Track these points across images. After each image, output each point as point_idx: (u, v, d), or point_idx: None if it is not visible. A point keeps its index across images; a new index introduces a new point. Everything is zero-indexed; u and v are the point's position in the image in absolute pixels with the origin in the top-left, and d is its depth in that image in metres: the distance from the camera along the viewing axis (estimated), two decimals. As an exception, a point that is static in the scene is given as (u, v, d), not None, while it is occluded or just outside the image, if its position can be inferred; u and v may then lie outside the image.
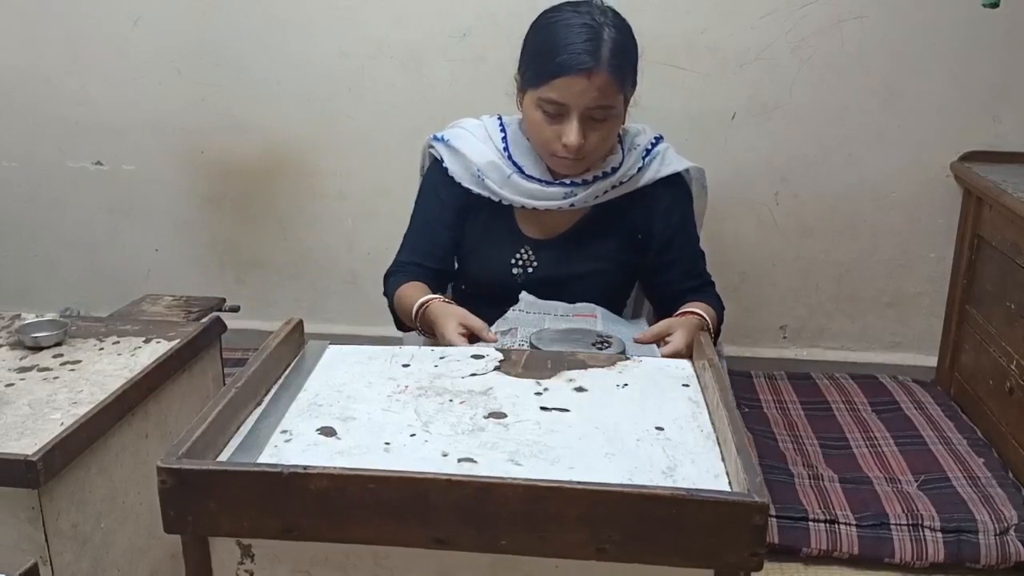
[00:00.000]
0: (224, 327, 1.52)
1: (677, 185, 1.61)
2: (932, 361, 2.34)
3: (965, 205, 2.19)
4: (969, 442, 1.96)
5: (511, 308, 1.48)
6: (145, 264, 2.53)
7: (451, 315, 1.38)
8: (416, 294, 1.50)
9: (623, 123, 1.53)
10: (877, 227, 2.29)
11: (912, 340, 2.36)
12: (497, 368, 1.09)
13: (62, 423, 1.10)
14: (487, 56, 2.25)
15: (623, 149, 1.57)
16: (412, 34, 2.26)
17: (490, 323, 1.42)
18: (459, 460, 0.87)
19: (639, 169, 1.56)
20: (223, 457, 0.88)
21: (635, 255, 1.60)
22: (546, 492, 0.76)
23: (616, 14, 1.48)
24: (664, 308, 1.58)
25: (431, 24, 2.25)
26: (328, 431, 0.93)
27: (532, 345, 1.25)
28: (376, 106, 2.33)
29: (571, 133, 1.43)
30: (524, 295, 1.55)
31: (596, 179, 1.53)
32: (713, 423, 0.96)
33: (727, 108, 2.23)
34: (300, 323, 1.15)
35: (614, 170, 1.54)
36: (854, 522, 1.67)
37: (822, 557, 1.66)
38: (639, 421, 0.96)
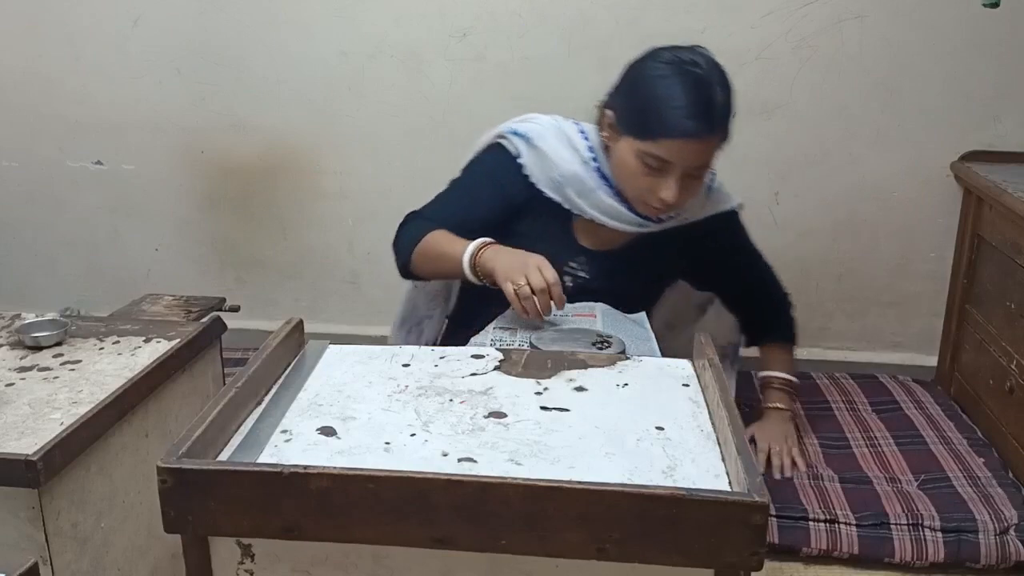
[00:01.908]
0: (224, 327, 1.52)
1: (730, 219, 1.69)
2: (932, 361, 2.34)
3: (965, 205, 2.19)
4: (969, 442, 1.96)
5: (511, 308, 1.48)
6: (145, 264, 2.53)
7: (530, 256, 1.36)
8: (459, 241, 1.44)
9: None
10: (877, 227, 2.29)
11: (912, 340, 2.36)
12: (497, 368, 1.09)
13: (62, 423, 1.10)
14: (487, 56, 2.25)
15: None
16: (412, 34, 2.26)
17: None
18: (459, 460, 0.87)
19: (700, 206, 1.61)
20: (223, 457, 0.88)
21: (677, 278, 1.70)
22: (546, 492, 0.76)
23: (718, 66, 1.44)
24: (748, 333, 1.83)
25: (431, 24, 2.25)
26: (328, 431, 0.93)
27: (532, 345, 1.25)
28: (376, 106, 2.33)
29: (671, 190, 1.42)
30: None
31: (671, 218, 1.57)
32: (713, 423, 0.96)
33: (727, 108, 2.23)
34: (300, 323, 1.15)
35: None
36: (854, 522, 1.67)
37: (822, 557, 1.65)
38: (639, 421, 0.96)
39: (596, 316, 1.45)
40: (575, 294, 1.52)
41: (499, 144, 1.60)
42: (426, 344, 1.75)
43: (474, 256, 1.41)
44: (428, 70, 2.29)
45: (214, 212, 2.48)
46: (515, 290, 1.34)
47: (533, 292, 1.32)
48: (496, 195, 1.56)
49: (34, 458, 1.00)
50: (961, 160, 2.19)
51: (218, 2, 2.29)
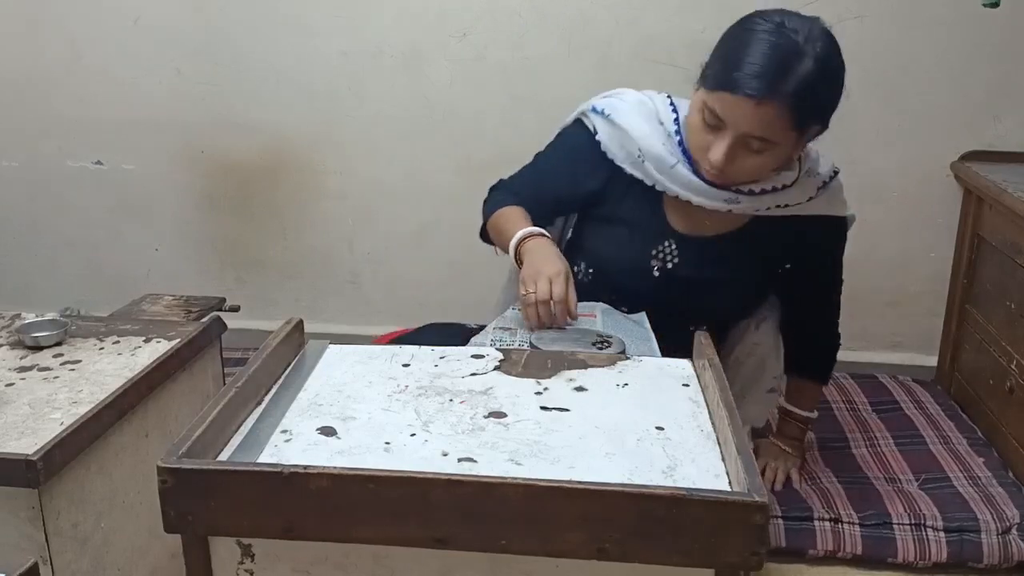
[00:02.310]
0: (224, 327, 1.52)
1: (839, 229, 1.59)
2: (932, 361, 2.34)
3: (965, 205, 2.19)
4: (969, 441, 1.96)
5: (511, 307, 1.48)
6: (145, 264, 2.53)
7: (561, 263, 1.33)
8: (519, 223, 1.43)
9: (792, 158, 1.43)
10: (877, 227, 2.28)
11: (912, 340, 2.36)
12: (497, 368, 1.09)
13: (62, 423, 1.10)
14: (487, 56, 2.25)
15: (800, 170, 1.48)
16: (412, 34, 2.26)
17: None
18: (459, 460, 0.87)
19: (810, 199, 1.48)
20: (223, 457, 0.88)
21: (776, 281, 1.58)
22: (546, 492, 0.76)
23: (829, 43, 1.33)
24: (789, 343, 1.70)
25: (431, 24, 2.25)
26: (328, 431, 0.93)
27: (532, 345, 1.25)
28: (376, 106, 2.33)
29: (718, 151, 1.33)
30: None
31: (764, 192, 1.44)
32: (713, 423, 0.96)
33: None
34: (300, 323, 1.15)
35: (785, 187, 1.45)
36: (857, 521, 1.67)
37: (826, 558, 1.65)
38: (639, 421, 0.96)
39: (596, 316, 1.45)
40: (662, 285, 1.47)
41: (579, 121, 1.54)
42: None
43: (517, 246, 1.41)
44: (428, 70, 2.29)
45: (214, 212, 2.48)
46: (523, 295, 1.33)
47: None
48: (568, 172, 1.51)
49: (34, 458, 1.00)
50: (961, 160, 2.19)
51: (218, 2, 2.29)
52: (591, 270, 1.55)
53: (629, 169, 1.48)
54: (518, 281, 1.39)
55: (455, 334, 1.47)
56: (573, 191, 1.52)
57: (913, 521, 1.66)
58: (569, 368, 1.09)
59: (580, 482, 0.77)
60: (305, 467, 0.79)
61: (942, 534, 1.64)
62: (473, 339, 1.39)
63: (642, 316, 1.49)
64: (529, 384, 1.05)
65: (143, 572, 1.27)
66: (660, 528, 0.76)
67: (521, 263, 1.40)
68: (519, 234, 1.41)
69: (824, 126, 1.39)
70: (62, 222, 2.53)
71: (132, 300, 1.69)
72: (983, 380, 2.05)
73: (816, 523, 1.67)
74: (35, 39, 2.37)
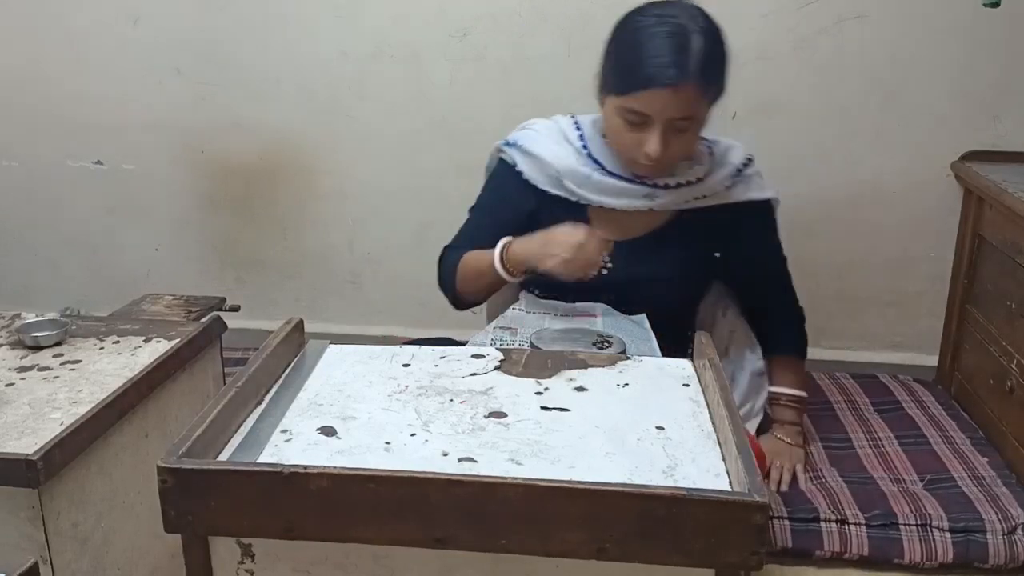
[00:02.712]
0: (224, 326, 1.52)
1: (764, 211, 1.64)
2: (933, 360, 2.34)
3: (965, 205, 2.19)
4: (972, 441, 1.96)
5: (511, 307, 1.48)
6: (145, 263, 2.53)
7: (549, 231, 1.43)
8: (485, 253, 1.51)
9: (705, 125, 1.51)
10: (877, 227, 2.28)
11: (912, 339, 2.36)
12: (497, 368, 1.09)
13: (62, 422, 1.10)
14: (487, 56, 2.25)
15: (712, 161, 1.55)
16: (412, 34, 2.26)
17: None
18: (459, 460, 0.87)
19: (727, 188, 1.55)
20: (223, 456, 0.88)
21: (712, 270, 1.63)
22: (546, 492, 0.76)
23: (705, 16, 1.42)
24: (755, 327, 1.74)
25: (431, 24, 2.25)
26: (328, 431, 0.93)
27: (532, 345, 1.25)
28: (376, 106, 2.33)
29: (653, 143, 1.41)
30: (523, 294, 1.55)
31: (680, 186, 1.51)
32: (713, 422, 0.96)
33: (727, 107, 2.22)
34: (300, 323, 1.15)
35: (699, 180, 1.53)
36: (863, 522, 1.66)
37: (833, 559, 1.65)
38: (639, 420, 0.96)
39: (596, 316, 1.45)
40: (604, 287, 1.51)
41: (500, 159, 1.65)
42: None
43: (502, 258, 1.47)
44: (428, 70, 2.29)
45: (214, 212, 2.48)
46: (559, 264, 1.40)
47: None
48: (509, 207, 1.60)
49: (34, 458, 1.00)
50: (961, 160, 2.18)
51: (218, 2, 2.29)
52: (535, 291, 1.61)
53: (553, 190, 1.57)
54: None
55: None
56: (519, 225, 1.57)
57: (919, 522, 1.66)
58: (569, 368, 1.09)
59: (580, 482, 0.77)
60: (305, 467, 0.79)
61: (948, 534, 1.64)
62: (473, 339, 1.39)
63: (642, 316, 1.49)
64: (529, 384, 1.05)
65: (143, 572, 1.27)
66: (660, 528, 0.76)
67: (515, 268, 1.46)
68: (497, 249, 1.49)
69: (723, 90, 1.48)
70: (62, 222, 2.53)
71: (132, 300, 1.70)
72: (983, 380, 2.05)
73: (823, 524, 1.67)
74: (35, 39, 2.37)
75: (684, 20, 1.39)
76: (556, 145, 1.56)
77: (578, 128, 1.58)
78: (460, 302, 1.62)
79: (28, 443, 1.05)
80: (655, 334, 1.42)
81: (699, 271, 1.63)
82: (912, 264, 2.30)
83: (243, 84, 2.34)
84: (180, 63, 2.34)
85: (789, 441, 1.81)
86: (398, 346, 1.17)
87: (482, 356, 1.12)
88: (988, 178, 2.02)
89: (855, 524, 1.66)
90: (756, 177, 1.61)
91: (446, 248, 1.65)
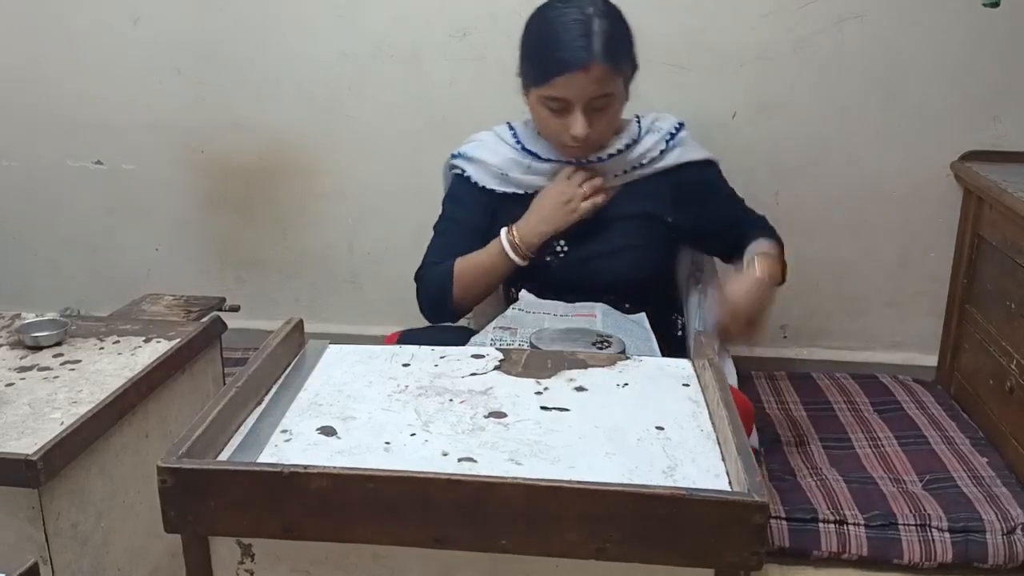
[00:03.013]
0: (224, 327, 1.52)
1: (706, 170, 1.68)
2: (932, 360, 2.34)
3: (965, 204, 2.19)
4: (972, 441, 1.96)
5: (511, 307, 1.48)
6: (145, 264, 2.53)
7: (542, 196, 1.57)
8: (483, 251, 1.60)
9: (627, 99, 1.59)
10: (877, 227, 2.28)
11: (912, 339, 2.36)
12: (497, 368, 1.09)
13: (62, 423, 1.10)
14: (487, 56, 2.25)
15: (640, 130, 1.63)
16: (412, 34, 2.26)
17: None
18: (459, 460, 0.87)
19: (662, 152, 1.63)
20: (223, 456, 0.88)
21: (666, 234, 1.65)
22: (546, 492, 0.76)
23: (604, 1, 1.53)
24: (731, 258, 1.67)
25: (431, 24, 2.25)
26: (328, 431, 0.93)
27: (532, 345, 1.25)
28: (376, 106, 2.33)
29: (577, 126, 1.50)
30: (523, 294, 1.55)
31: (611, 156, 1.60)
32: (713, 423, 0.96)
33: (727, 107, 2.23)
34: (300, 323, 1.15)
35: (629, 147, 1.60)
36: (862, 522, 1.66)
37: (832, 559, 1.65)
38: (639, 420, 0.96)
39: (596, 316, 1.45)
40: (562, 271, 1.60)
41: (452, 173, 1.73)
42: None
43: (512, 243, 1.57)
44: (428, 70, 2.29)
45: (214, 212, 2.48)
46: (566, 211, 1.56)
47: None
48: (472, 214, 1.67)
49: (34, 458, 1.00)
50: (961, 160, 2.18)
51: (218, 2, 2.29)
52: (524, 283, 1.65)
53: (500, 188, 1.65)
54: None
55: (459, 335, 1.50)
56: (483, 227, 1.65)
57: (918, 522, 1.66)
58: (569, 368, 1.09)
59: (580, 482, 0.77)
60: (305, 467, 0.79)
61: (947, 534, 1.64)
62: (473, 339, 1.39)
63: (642, 316, 1.49)
64: (529, 384, 1.05)
65: (143, 572, 1.27)
66: (660, 528, 0.76)
67: (529, 246, 1.57)
68: (503, 237, 1.59)
69: (635, 64, 1.58)
70: (62, 222, 2.53)
71: (132, 300, 1.70)
72: (983, 380, 2.05)
73: (820, 525, 1.67)
74: (35, 39, 2.37)
75: (585, 6, 1.50)
76: (496, 147, 1.67)
77: (511, 129, 1.69)
78: (454, 313, 1.66)
79: (28, 443, 1.05)
80: (631, 309, 1.51)
81: (651, 238, 1.65)
82: (912, 264, 2.30)
83: (243, 84, 2.34)
84: (180, 63, 2.34)
85: (759, 285, 1.52)
86: (398, 346, 1.17)
87: (482, 356, 1.12)
88: (988, 178, 2.02)
89: (854, 524, 1.66)
90: (690, 140, 1.67)
91: (420, 270, 1.69)
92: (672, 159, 1.63)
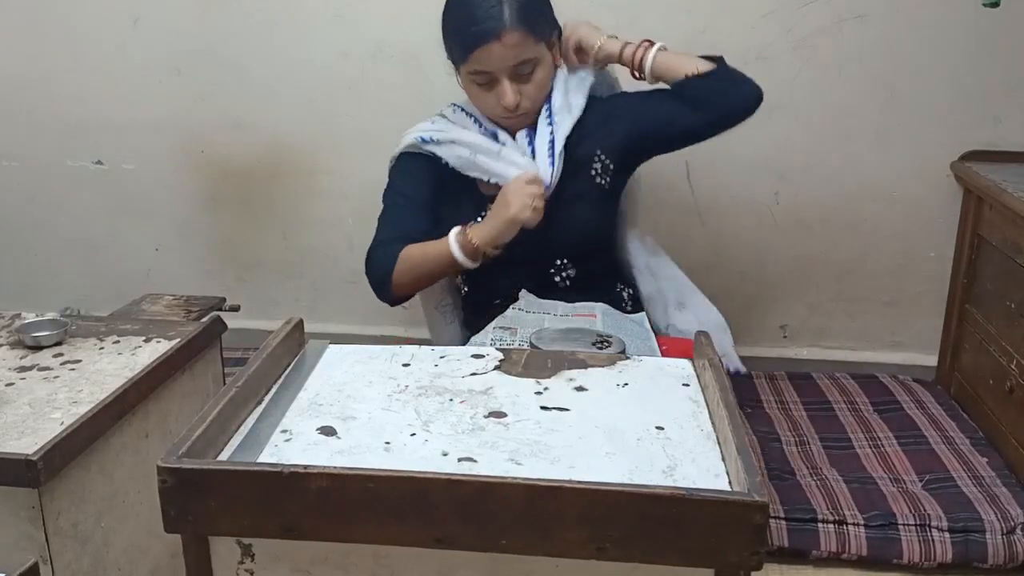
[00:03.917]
0: (224, 326, 1.52)
1: (620, 93, 1.69)
2: (932, 360, 2.34)
3: (965, 204, 2.19)
4: (972, 441, 1.96)
5: (511, 307, 1.48)
6: (145, 263, 2.53)
7: (503, 196, 1.50)
8: (432, 243, 1.54)
9: (557, 65, 1.61)
10: (877, 227, 2.28)
11: (912, 339, 2.36)
12: (497, 367, 1.09)
13: (62, 422, 1.10)
14: (487, 56, 2.25)
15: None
16: (412, 34, 2.26)
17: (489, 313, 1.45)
18: (459, 459, 0.87)
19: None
20: (223, 456, 0.88)
21: (612, 170, 1.63)
22: (546, 491, 0.76)
23: None
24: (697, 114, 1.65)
25: (431, 24, 2.24)
26: (328, 430, 0.93)
27: (532, 345, 1.25)
28: (376, 106, 2.32)
29: (506, 95, 1.52)
30: (523, 294, 1.55)
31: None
32: (713, 423, 0.96)
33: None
34: (300, 322, 1.15)
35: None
36: (862, 522, 1.66)
37: (831, 559, 1.65)
38: (639, 420, 0.96)
39: (596, 316, 1.45)
40: (530, 235, 1.52)
41: (404, 155, 1.69)
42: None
43: (464, 244, 1.50)
44: (428, 70, 2.28)
45: (214, 212, 2.48)
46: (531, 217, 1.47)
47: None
48: (422, 190, 1.65)
49: (34, 458, 1.00)
50: (961, 160, 2.19)
51: (218, 2, 2.29)
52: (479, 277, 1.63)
53: (464, 172, 1.61)
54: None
55: None
56: (433, 202, 1.64)
57: (918, 522, 1.66)
58: (569, 368, 1.09)
59: (580, 482, 0.77)
60: (305, 467, 0.79)
61: (947, 534, 1.64)
62: (473, 339, 1.39)
63: (642, 316, 1.50)
64: (529, 384, 1.05)
65: (143, 572, 1.27)
66: (660, 528, 0.76)
67: (482, 249, 1.50)
68: (453, 236, 1.51)
69: (556, 26, 1.60)
70: (62, 222, 2.53)
71: (132, 300, 1.70)
72: (983, 380, 2.05)
73: (820, 525, 1.67)
74: (35, 39, 2.37)
75: None
76: (461, 131, 1.63)
77: (463, 111, 1.66)
78: (394, 296, 1.61)
79: (28, 443, 1.05)
80: (581, 278, 1.53)
81: (596, 186, 1.63)
82: (912, 264, 2.30)
83: (243, 84, 2.34)
84: (180, 63, 2.34)
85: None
86: (398, 346, 1.17)
87: (482, 356, 1.12)
88: (988, 178, 2.02)
89: (854, 524, 1.66)
90: (607, 79, 1.70)
91: (373, 245, 1.64)
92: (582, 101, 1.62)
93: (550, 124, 1.59)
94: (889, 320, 2.35)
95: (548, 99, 1.61)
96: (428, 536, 0.79)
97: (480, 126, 1.63)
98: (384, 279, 1.58)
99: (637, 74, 1.64)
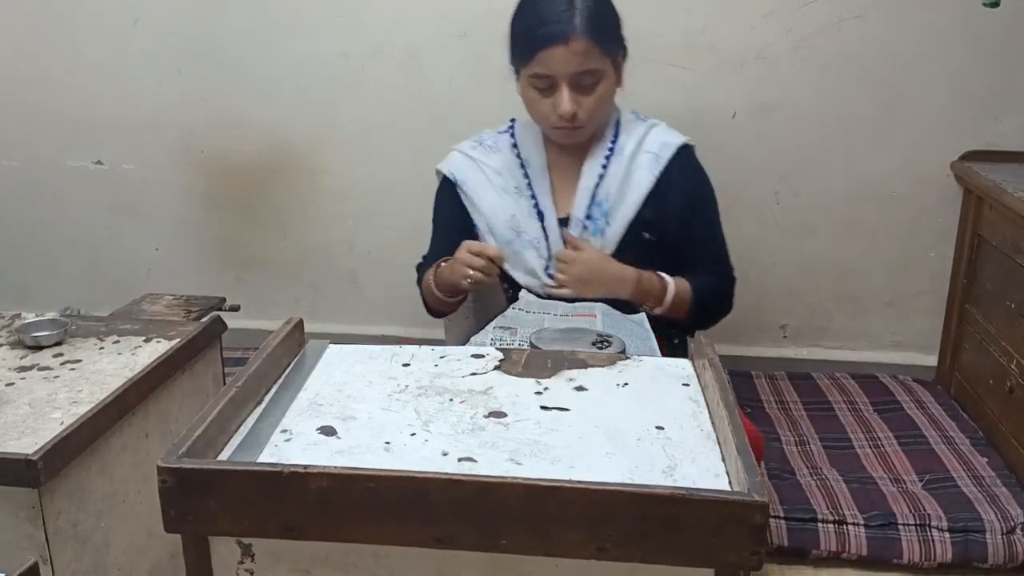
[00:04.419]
0: (224, 326, 1.52)
1: (684, 153, 1.62)
2: (932, 360, 2.34)
3: (965, 204, 2.19)
4: (972, 441, 1.96)
5: (511, 307, 1.48)
6: (145, 263, 2.53)
7: (459, 250, 1.48)
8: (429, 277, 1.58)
9: (620, 86, 1.56)
10: (877, 227, 2.29)
11: (912, 339, 2.36)
12: (497, 367, 1.09)
13: (62, 422, 1.10)
14: (487, 56, 2.24)
15: (618, 133, 1.60)
16: (412, 34, 2.26)
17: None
18: (459, 459, 0.87)
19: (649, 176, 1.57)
20: (223, 456, 0.88)
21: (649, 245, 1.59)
22: (546, 491, 0.76)
23: None
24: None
25: (431, 24, 2.25)
26: (328, 430, 0.93)
27: (532, 344, 1.25)
28: (376, 106, 2.33)
29: (563, 102, 1.48)
30: (523, 294, 1.55)
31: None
32: (713, 422, 0.96)
33: (727, 107, 2.23)
34: (300, 322, 1.15)
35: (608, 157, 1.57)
36: (862, 522, 1.67)
37: (831, 559, 1.65)
38: (639, 420, 0.96)
39: (596, 316, 1.45)
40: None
41: (446, 179, 1.68)
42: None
43: (433, 283, 1.55)
44: (428, 70, 2.29)
45: (214, 212, 2.48)
46: (464, 281, 1.45)
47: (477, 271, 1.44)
48: (459, 216, 1.64)
49: (34, 458, 1.00)
50: (961, 160, 2.19)
51: (218, 2, 2.29)
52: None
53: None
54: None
55: None
56: (467, 234, 1.61)
57: (918, 522, 1.66)
58: (569, 368, 1.09)
59: (580, 482, 0.77)
60: (305, 467, 0.79)
61: (947, 534, 1.64)
62: (473, 339, 1.39)
63: (642, 316, 1.49)
64: (529, 384, 1.05)
65: (143, 572, 1.27)
66: (660, 528, 0.76)
67: (447, 290, 1.54)
68: (427, 277, 1.57)
69: (623, 46, 1.55)
70: (62, 222, 2.53)
71: (132, 300, 1.70)
72: (983, 380, 2.05)
73: (820, 524, 1.67)
74: (35, 39, 2.37)
75: None
76: (494, 195, 1.61)
77: (510, 131, 1.65)
78: (435, 312, 1.69)
79: (28, 443, 1.05)
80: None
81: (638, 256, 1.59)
82: (912, 264, 2.30)
83: (243, 84, 2.34)
84: (180, 63, 2.35)
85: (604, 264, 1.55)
86: (398, 346, 1.17)
87: (482, 356, 1.12)
88: (988, 178, 2.02)
89: (853, 524, 1.66)
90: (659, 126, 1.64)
91: (420, 263, 1.71)
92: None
93: (601, 175, 1.56)
94: (889, 320, 2.35)
95: (611, 146, 1.58)
96: (428, 536, 0.79)
97: (517, 154, 1.62)
98: (422, 301, 1.68)
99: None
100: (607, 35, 1.50)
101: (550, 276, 1.56)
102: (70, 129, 2.43)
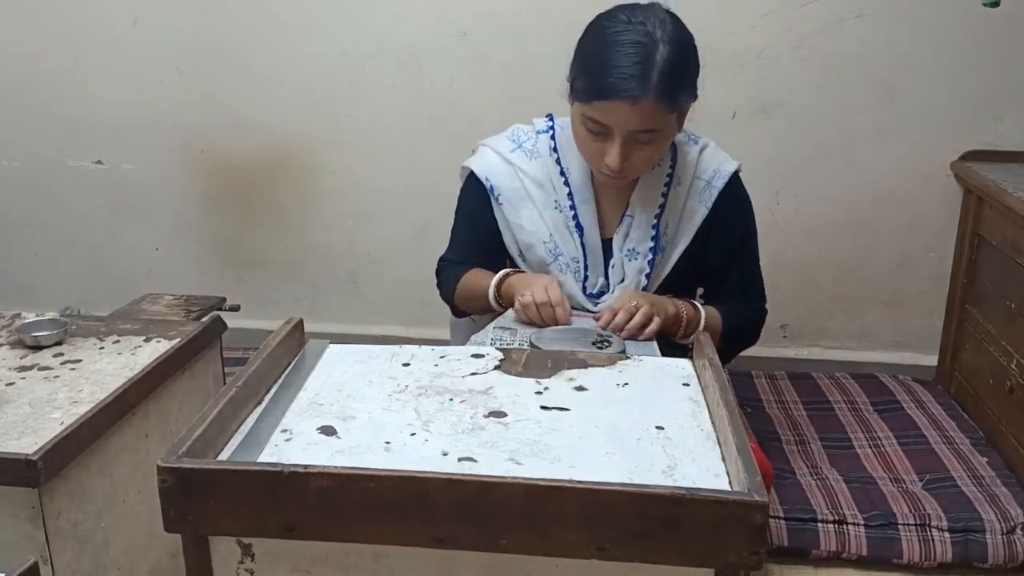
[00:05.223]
0: (224, 326, 1.52)
1: (734, 183, 1.58)
2: (932, 360, 2.34)
3: (965, 204, 2.19)
4: (972, 441, 1.96)
5: (511, 307, 1.48)
6: (145, 263, 2.53)
7: (541, 277, 1.42)
8: (485, 276, 1.50)
9: (679, 130, 1.47)
10: (877, 227, 2.29)
11: (912, 339, 2.36)
12: (497, 367, 1.09)
13: (62, 422, 1.10)
14: (487, 56, 2.25)
15: (675, 163, 1.53)
16: (412, 34, 2.26)
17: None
18: (459, 459, 0.87)
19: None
20: (223, 456, 0.88)
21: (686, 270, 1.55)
22: (546, 491, 0.76)
23: (675, 24, 1.37)
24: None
25: (431, 24, 2.25)
26: (328, 430, 0.93)
27: (532, 344, 1.25)
28: (376, 106, 2.33)
29: (613, 155, 1.36)
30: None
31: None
32: (713, 423, 0.96)
33: (727, 107, 2.23)
34: (300, 322, 1.15)
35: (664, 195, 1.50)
36: (862, 522, 1.66)
37: (831, 558, 1.65)
38: (639, 420, 0.96)
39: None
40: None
41: (473, 176, 1.57)
42: None
43: (497, 288, 1.48)
44: (428, 70, 2.29)
45: (214, 212, 2.48)
46: (520, 300, 1.38)
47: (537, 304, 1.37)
48: (487, 217, 1.56)
49: (34, 458, 1.00)
50: (961, 160, 2.19)
51: (218, 2, 2.29)
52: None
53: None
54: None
55: None
56: (492, 233, 1.56)
57: (918, 522, 1.66)
58: (569, 368, 1.09)
59: (580, 482, 0.77)
60: (305, 467, 0.79)
61: (947, 534, 1.64)
62: (473, 338, 1.39)
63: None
64: (529, 384, 1.05)
65: (143, 572, 1.27)
66: (660, 528, 0.76)
67: (506, 300, 1.47)
68: (495, 279, 1.48)
69: (695, 95, 1.42)
70: (62, 222, 2.53)
71: (132, 300, 1.70)
72: (983, 380, 2.05)
73: (820, 524, 1.67)
74: (35, 39, 2.37)
75: (651, 28, 1.33)
76: (532, 211, 1.52)
77: (551, 132, 1.53)
78: (458, 313, 1.64)
79: (28, 443, 1.05)
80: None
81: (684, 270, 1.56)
82: (912, 264, 2.30)
83: (243, 84, 2.34)
84: (180, 63, 2.35)
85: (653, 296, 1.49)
86: (398, 346, 1.17)
87: (482, 356, 1.12)
88: (988, 178, 2.02)
89: (853, 524, 1.66)
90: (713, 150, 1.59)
91: (443, 259, 1.64)
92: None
93: (662, 206, 1.50)
94: (889, 320, 2.35)
95: (670, 173, 1.51)
96: (428, 536, 0.79)
97: (557, 160, 1.52)
98: (448, 299, 1.62)
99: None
100: (679, 93, 1.36)
101: (588, 295, 1.52)
102: (70, 129, 2.43)
